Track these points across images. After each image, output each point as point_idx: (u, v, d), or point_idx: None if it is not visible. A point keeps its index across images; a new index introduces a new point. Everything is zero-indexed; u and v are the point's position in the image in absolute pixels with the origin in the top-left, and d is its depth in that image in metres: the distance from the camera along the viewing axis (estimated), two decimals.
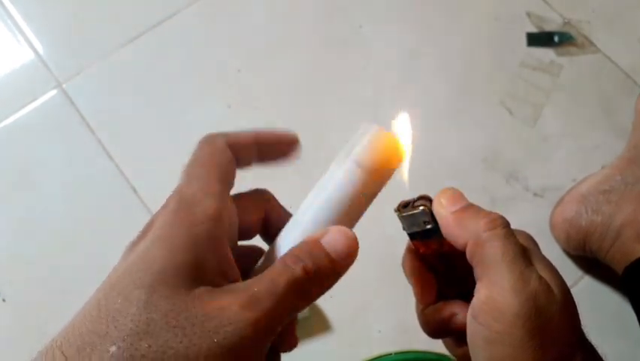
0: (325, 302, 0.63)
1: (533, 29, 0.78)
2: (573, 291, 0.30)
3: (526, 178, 0.70)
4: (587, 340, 0.31)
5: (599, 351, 0.31)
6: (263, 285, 0.23)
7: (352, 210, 0.28)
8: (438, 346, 0.59)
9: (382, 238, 0.64)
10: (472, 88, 0.75)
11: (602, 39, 0.77)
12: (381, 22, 0.78)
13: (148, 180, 0.69)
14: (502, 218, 0.29)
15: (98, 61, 0.75)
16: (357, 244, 0.26)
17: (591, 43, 0.77)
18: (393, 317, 0.63)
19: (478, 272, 0.29)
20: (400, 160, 0.30)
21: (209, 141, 0.28)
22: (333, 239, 0.25)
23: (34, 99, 0.72)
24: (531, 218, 0.68)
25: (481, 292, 0.28)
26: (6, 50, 0.75)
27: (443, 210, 0.30)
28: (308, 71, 0.76)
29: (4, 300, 0.64)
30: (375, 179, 0.28)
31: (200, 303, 0.22)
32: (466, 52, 0.77)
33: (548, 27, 0.78)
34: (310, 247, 0.25)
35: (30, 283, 0.65)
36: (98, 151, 0.69)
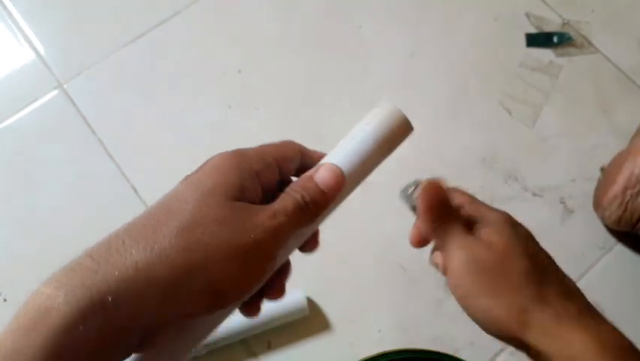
0: (325, 302, 0.63)
1: (533, 30, 0.78)
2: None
3: (524, 178, 0.70)
4: (563, 300, 0.38)
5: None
6: (278, 206, 0.31)
7: (363, 167, 0.36)
8: (438, 346, 0.59)
9: (382, 239, 0.64)
10: (471, 88, 0.75)
11: (601, 40, 0.77)
12: (381, 23, 0.78)
13: (148, 180, 0.69)
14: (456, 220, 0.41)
15: (99, 61, 0.75)
16: (343, 177, 0.34)
17: (590, 43, 0.77)
18: (393, 316, 0.64)
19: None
20: (406, 134, 0.38)
21: (287, 142, 0.36)
22: (322, 173, 0.34)
23: (35, 100, 0.73)
24: (530, 218, 0.68)
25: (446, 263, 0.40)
26: (7, 50, 0.75)
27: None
28: (308, 71, 0.76)
29: (5, 300, 0.65)
30: (383, 146, 0.36)
31: (241, 211, 0.30)
32: (466, 52, 0.77)
33: (548, 28, 0.78)
34: (305, 180, 0.34)
35: (31, 283, 0.65)
36: (98, 151, 0.70)
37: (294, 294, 0.59)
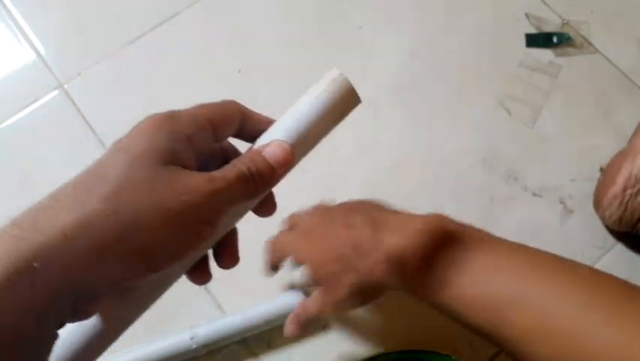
0: None
1: (532, 30, 0.78)
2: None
3: (524, 178, 0.70)
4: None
5: None
6: (219, 173, 0.31)
7: (309, 137, 0.36)
8: (438, 346, 0.60)
9: None
10: (470, 88, 0.75)
11: (601, 40, 0.77)
12: (381, 23, 0.78)
13: None
14: None
15: (100, 61, 0.75)
16: (293, 156, 0.34)
17: (590, 44, 0.77)
18: (393, 316, 0.64)
19: None
20: (353, 104, 0.38)
21: (226, 102, 0.35)
22: (272, 149, 0.34)
23: (36, 100, 0.73)
24: (530, 218, 0.69)
25: None
26: (7, 50, 0.75)
27: None
28: (308, 71, 0.76)
29: None
30: (331, 115, 0.37)
31: (172, 173, 0.29)
32: (465, 52, 0.77)
33: (547, 28, 0.78)
34: (253, 154, 0.34)
35: None
36: (99, 152, 0.69)
37: (294, 294, 0.60)
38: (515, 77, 0.75)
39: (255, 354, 0.61)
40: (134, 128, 0.32)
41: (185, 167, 0.30)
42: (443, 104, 0.74)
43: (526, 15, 0.79)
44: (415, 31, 0.78)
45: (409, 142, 0.72)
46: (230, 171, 0.32)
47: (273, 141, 0.35)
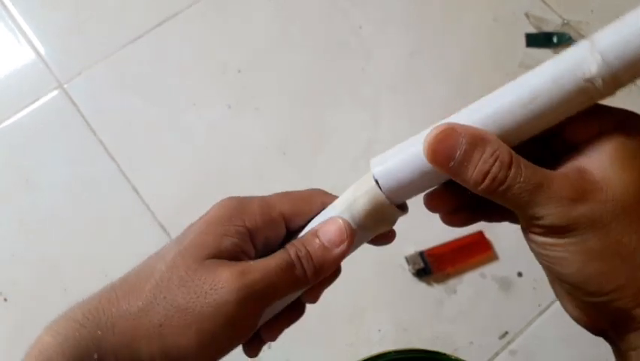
0: (325, 302, 0.63)
1: (532, 30, 0.78)
2: None
3: None
4: None
5: None
6: (259, 262, 0.28)
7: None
8: (438, 346, 0.60)
9: None
10: (470, 88, 0.75)
11: None
12: (381, 23, 0.78)
13: (149, 180, 0.69)
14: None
15: (100, 61, 0.75)
16: (349, 233, 0.29)
17: None
18: (393, 316, 0.64)
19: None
20: (390, 226, 0.31)
21: (311, 194, 0.31)
22: (327, 229, 0.29)
23: (36, 100, 0.73)
24: None
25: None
26: (7, 50, 0.75)
27: None
28: (308, 71, 0.76)
29: (5, 299, 0.65)
30: (367, 233, 0.30)
31: (205, 270, 0.27)
32: (465, 52, 0.77)
33: (547, 28, 0.78)
34: (308, 234, 0.29)
35: (31, 283, 0.65)
36: (99, 151, 0.70)
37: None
38: (515, 77, 0.75)
39: None
40: (205, 214, 0.29)
41: (238, 259, 0.28)
42: (443, 104, 0.74)
43: (526, 15, 0.79)
44: (415, 31, 0.78)
45: None
46: (273, 258, 0.28)
47: (330, 218, 0.29)
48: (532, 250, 0.28)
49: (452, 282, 0.65)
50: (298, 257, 0.28)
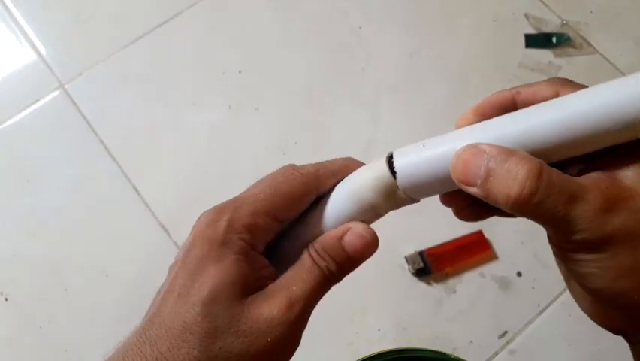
0: (325, 301, 0.64)
1: (531, 31, 0.78)
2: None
3: None
4: None
5: None
6: (298, 286, 0.29)
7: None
8: (437, 346, 0.60)
9: (382, 238, 0.64)
10: (470, 89, 0.75)
11: (600, 40, 0.78)
12: (381, 24, 0.79)
13: (150, 180, 0.69)
14: None
15: (101, 62, 0.75)
16: (373, 241, 0.30)
17: (589, 44, 0.78)
18: (393, 316, 0.64)
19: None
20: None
21: (291, 185, 0.31)
22: (353, 240, 0.30)
23: (37, 100, 0.73)
24: None
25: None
26: (8, 51, 0.76)
27: None
28: (308, 72, 0.76)
29: (6, 299, 0.65)
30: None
31: (252, 310, 0.27)
32: (465, 53, 0.77)
33: (546, 28, 0.78)
34: (333, 247, 0.30)
35: (32, 283, 0.65)
36: (99, 151, 0.70)
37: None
38: (515, 77, 0.76)
39: None
40: (189, 248, 0.28)
41: (257, 282, 0.28)
42: (442, 104, 0.74)
43: (526, 15, 0.79)
44: (414, 31, 0.78)
45: (408, 142, 0.72)
46: (308, 276, 0.29)
47: (353, 227, 0.30)
48: (561, 265, 0.28)
49: (452, 282, 0.65)
50: (331, 273, 0.29)
